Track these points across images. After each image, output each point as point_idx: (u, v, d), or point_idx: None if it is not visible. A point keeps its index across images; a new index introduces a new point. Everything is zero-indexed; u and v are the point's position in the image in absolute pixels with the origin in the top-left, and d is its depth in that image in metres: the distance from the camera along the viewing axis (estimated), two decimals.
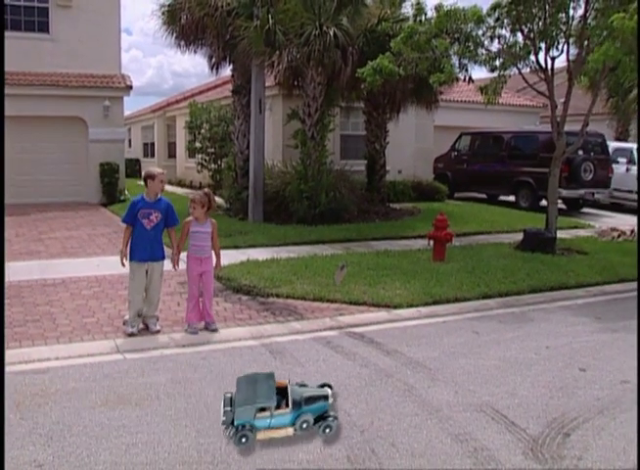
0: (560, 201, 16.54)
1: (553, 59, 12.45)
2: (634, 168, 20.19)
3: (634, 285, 10.24)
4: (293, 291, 8.90)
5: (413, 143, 22.30)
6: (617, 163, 20.25)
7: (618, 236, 14.42)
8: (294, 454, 4.51)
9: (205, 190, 7.59)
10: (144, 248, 7.22)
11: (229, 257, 10.73)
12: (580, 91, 20.40)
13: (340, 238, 13.31)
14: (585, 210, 20.09)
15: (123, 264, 7.25)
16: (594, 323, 8.17)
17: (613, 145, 21.18)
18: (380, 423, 5.03)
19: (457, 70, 12.63)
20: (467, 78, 13.04)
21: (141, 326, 7.38)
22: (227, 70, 17.43)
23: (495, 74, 12.41)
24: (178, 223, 7.46)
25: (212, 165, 22.94)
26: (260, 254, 11.49)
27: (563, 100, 12.78)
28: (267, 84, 16.30)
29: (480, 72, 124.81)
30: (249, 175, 15.56)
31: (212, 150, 22.79)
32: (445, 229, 11.16)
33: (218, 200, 18.10)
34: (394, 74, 12.31)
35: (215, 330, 7.38)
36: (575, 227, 16.00)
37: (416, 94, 17.40)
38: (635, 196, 19.88)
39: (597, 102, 13.80)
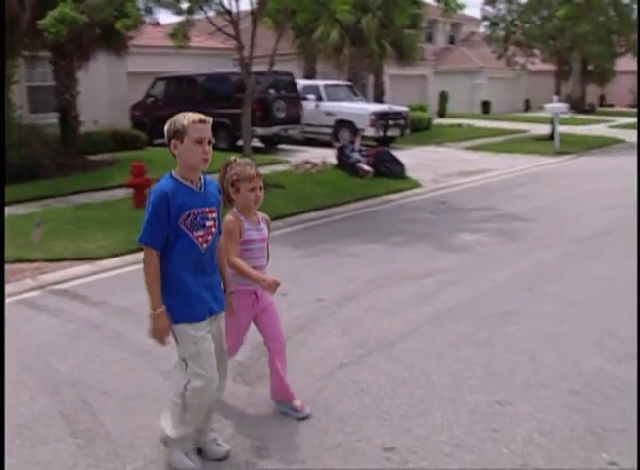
0: (257, 139, 17.18)
1: (237, 1, 12.77)
2: (323, 104, 21.44)
3: (326, 212, 11.22)
4: None
5: (107, 91, 21.57)
6: (307, 100, 21.34)
7: (312, 168, 15.36)
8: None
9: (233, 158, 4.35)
10: (204, 290, 3.67)
11: None
12: (269, 33, 21.12)
13: (36, 195, 12.57)
14: (281, 146, 20.94)
15: (165, 342, 3.64)
16: (292, 251, 8.74)
17: (302, 83, 22.25)
18: (90, 374, 5.03)
19: (143, 14, 12.44)
20: (155, 22, 12.94)
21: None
22: None
23: (183, 18, 12.45)
24: None
25: None
26: None
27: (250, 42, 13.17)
28: None
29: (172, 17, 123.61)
30: None
31: None
32: (143, 176, 11.10)
33: None
34: (78, 22, 11.78)
35: (304, 417, 4.29)
36: (273, 163, 16.67)
37: (105, 40, 16.73)
38: (325, 130, 21.24)
39: (284, 42, 14.41)
